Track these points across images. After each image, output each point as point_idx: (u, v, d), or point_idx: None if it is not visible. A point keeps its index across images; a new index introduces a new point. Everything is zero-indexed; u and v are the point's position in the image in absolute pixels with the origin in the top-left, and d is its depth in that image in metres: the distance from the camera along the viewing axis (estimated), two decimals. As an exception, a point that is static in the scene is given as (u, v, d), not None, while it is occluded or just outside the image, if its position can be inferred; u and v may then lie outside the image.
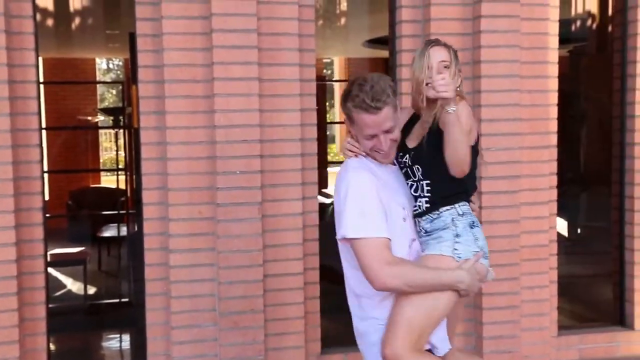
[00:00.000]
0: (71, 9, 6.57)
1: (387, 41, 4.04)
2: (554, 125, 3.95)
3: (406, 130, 2.33)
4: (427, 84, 2.23)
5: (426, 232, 2.27)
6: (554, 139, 3.96)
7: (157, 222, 3.55)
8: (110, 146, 13.56)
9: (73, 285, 6.30)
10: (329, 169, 9.91)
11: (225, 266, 3.48)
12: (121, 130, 7.67)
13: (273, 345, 3.60)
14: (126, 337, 4.80)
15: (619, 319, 4.30)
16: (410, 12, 3.76)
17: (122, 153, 8.38)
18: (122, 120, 7.59)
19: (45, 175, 4.10)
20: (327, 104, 12.12)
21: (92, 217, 8.12)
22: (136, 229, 4.28)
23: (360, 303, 2.26)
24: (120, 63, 14.46)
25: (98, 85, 12.64)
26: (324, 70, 12.64)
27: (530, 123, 3.83)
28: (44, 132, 3.81)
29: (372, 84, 2.11)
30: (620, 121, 4.26)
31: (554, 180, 3.97)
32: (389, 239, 2.13)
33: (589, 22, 5.88)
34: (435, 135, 2.22)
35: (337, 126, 13.78)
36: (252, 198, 3.49)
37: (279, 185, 3.57)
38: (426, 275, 2.16)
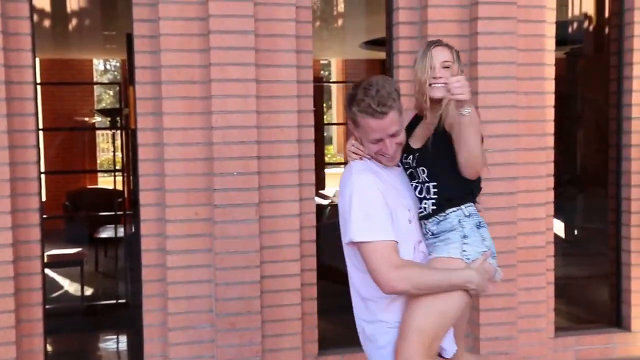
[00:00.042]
0: (68, 10, 6.56)
1: (384, 43, 4.04)
2: (550, 127, 3.96)
3: (409, 130, 2.32)
4: (430, 85, 2.24)
5: (433, 234, 2.26)
6: (550, 141, 3.97)
7: (154, 223, 3.55)
8: (107, 147, 13.53)
9: (70, 287, 6.29)
10: (326, 170, 9.91)
11: (222, 267, 3.48)
12: (118, 132, 7.66)
13: (270, 346, 3.60)
14: (123, 339, 4.79)
15: (616, 320, 4.31)
16: (408, 14, 3.76)
17: (119, 154, 8.38)
18: (119, 121, 7.59)
19: (42, 176, 4.10)
20: (325, 105, 12.13)
21: (89, 218, 8.11)
22: (133, 230, 4.28)
23: (367, 306, 2.25)
24: (118, 64, 14.45)
25: (95, 87, 12.62)
26: (322, 72, 12.65)
27: (527, 125, 3.84)
28: (40, 133, 3.81)
29: (377, 88, 2.10)
30: (617, 123, 4.27)
31: (550, 182, 3.98)
32: (396, 242, 2.12)
33: (586, 24, 5.90)
34: (441, 137, 2.21)
35: (334, 127, 13.78)
36: (250, 199, 3.49)
37: (276, 186, 3.57)
38: (435, 277, 2.15)
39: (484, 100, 3.70)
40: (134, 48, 3.53)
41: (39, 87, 4.88)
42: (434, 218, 2.25)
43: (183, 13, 3.45)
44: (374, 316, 2.24)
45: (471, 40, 3.74)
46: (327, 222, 6.09)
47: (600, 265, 4.75)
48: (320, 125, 8.45)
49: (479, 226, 2.26)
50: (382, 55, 4.29)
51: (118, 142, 7.91)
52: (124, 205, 7.00)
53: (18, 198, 3.43)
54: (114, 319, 5.25)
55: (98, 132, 11.55)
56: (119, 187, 7.75)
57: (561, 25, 4.19)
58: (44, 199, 4.30)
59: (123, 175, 7.75)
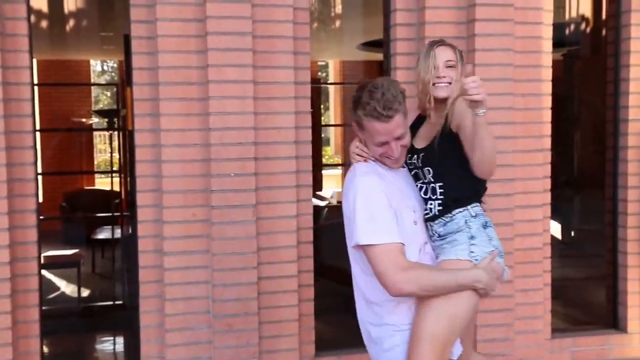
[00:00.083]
0: (66, 10, 6.56)
1: (381, 44, 4.05)
2: (547, 129, 3.96)
3: (412, 130, 2.29)
4: (434, 84, 2.22)
5: (439, 236, 2.25)
6: (547, 143, 3.98)
7: (151, 224, 3.55)
8: (104, 148, 13.52)
9: (67, 288, 6.28)
10: (323, 172, 9.92)
11: (219, 268, 3.48)
12: (116, 133, 7.66)
13: (267, 347, 3.60)
14: (120, 340, 4.79)
15: (612, 321, 4.31)
16: (405, 15, 3.77)
17: (116, 155, 8.38)
18: (116, 122, 7.58)
19: (39, 177, 4.09)
20: (322, 106, 12.13)
21: (87, 220, 8.10)
22: (130, 231, 4.28)
23: (372, 310, 2.24)
24: (115, 65, 14.44)
25: (92, 87, 12.60)
26: (319, 73, 12.65)
27: (524, 126, 3.84)
28: (38, 134, 3.80)
29: (382, 91, 2.08)
30: (614, 125, 4.28)
31: (547, 184, 3.98)
32: (402, 244, 2.10)
33: (583, 26, 5.91)
34: (447, 137, 2.20)
35: (331, 129, 13.78)
36: (247, 200, 3.49)
37: (273, 187, 3.57)
38: (442, 278, 2.13)
39: (481, 102, 3.70)
40: (132, 49, 3.53)
41: (36, 88, 4.87)
42: (440, 219, 2.24)
43: (180, 14, 3.45)
44: (380, 319, 2.23)
45: (468, 42, 3.74)
46: (325, 223, 6.09)
47: (596, 266, 4.76)
48: (317, 127, 8.47)
49: (485, 226, 2.25)
50: (379, 56, 4.30)
51: (115, 143, 7.89)
52: (121, 207, 7.01)
53: (15, 199, 3.42)
54: (110, 320, 5.24)
55: (95, 133, 11.54)
56: (116, 188, 7.75)
57: (558, 27, 4.20)
58: (41, 200, 4.29)
59: (120, 177, 7.75)
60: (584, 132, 6.18)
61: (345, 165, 9.55)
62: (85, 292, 6.03)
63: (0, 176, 3.33)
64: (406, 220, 2.18)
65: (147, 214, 3.55)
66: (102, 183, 10.48)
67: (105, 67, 17.62)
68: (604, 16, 4.70)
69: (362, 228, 2.10)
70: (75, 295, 5.85)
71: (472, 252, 2.20)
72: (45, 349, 3.79)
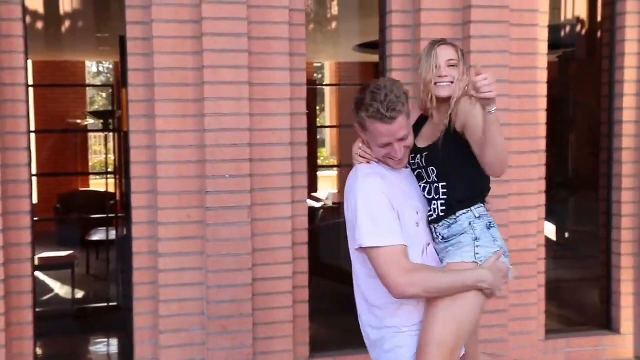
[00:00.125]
0: (61, 11, 6.55)
1: (377, 46, 4.05)
2: (543, 131, 3.97)
3: (415, 131, 2.27)
4: (435, 84, 2.21)
5: (443, 238, 2.23)
6: (543, 144, 3.99)
7: (146, 225, 3.54)
8: (99, 150, 13.50)
9: (61, 289, 6.26)
10: (319, 173, 9.92)
11: (214, 270, 3.48)
12: (111, 134, 7.64)
13: (261, 349, 3.59)
14: (114, 341, 4.77)
15: (606, 322, 4.33)
16: (401, 17, 3.77)
17: (111, 156, 8.36)
18: (111, 123, 7.57)
19: (34, 179, 4.09)
20: (318, 108, 12.14)
21: (81, 221, 8.08)
22: (125, 232, 4.27)
23: (374, 313, 2.23)
24: (111, 66, 14.42)
25: (88, 89, 12.59)
26: (315, 74, 12.66)
27: (520, 128, 3.85)
28: (32, 135, 3.79)
29: (386, 92, 2.07)
30: (608, 126, 4.30)
31: (542, 185, 3.99)
32: (406, 246, 2.09)
33: (578, 28, 5.93)
34: (452, 137, 2.18)
35: (327, 130, 13.79)
36: (242, 202, 3.49)
37: (268, 189, 3.57)
38: (446, 279, 2.13)
39: (476, 104, 3.71)
40: (127, 50, 3.53)
41: (31, 89, 4.86)
42: (444, 221, 2.22)
43: (176, 16, 3.44)
44: (380, 322, 2.22)
45: (464, 44, 3.75)
46: (320, 224, 6.09)
47: (591, 268, 4.77)
48: (313, 128, 8.47)
49: (489, 227, 2.23)
50: (375, 58, 4.30)
51: (110, 145, 7.88)
52: (116, 208, 6.99)
53: (9, 200, 3.41)
54: (105, 321, 5.23)
55: (90, 135, 11.52)
56: (111, 189, 7.73)
57: (554, 29, 4.21)
58: (35, 201, 4.29)
59: (115, 178, 7.73)
60: (579, 134, 6.20)
61: (341, 166, 9.56)
62: (79, 294, 6.02)
63: (-6, 177, 3.33)
64: (409, 221, 2.17)
65: (141, 215, 3.54)
66: (97, 184, 10.46)
67: (100, 68, 17.59)
68: (599, 18, 4.72)
69: (364, 230, 2.09)
70: (70, 296, 5.84)
71: (477, 253, 2.18)
72: (39, 351, 3.78)
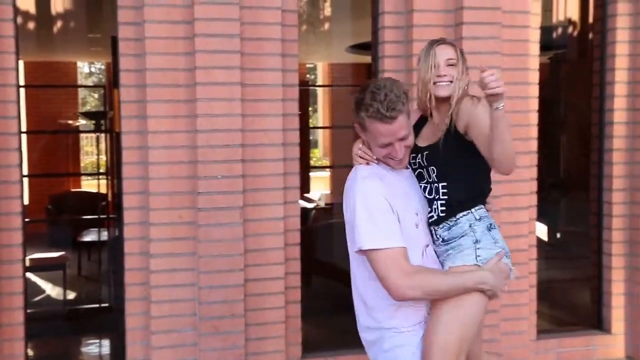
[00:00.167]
0: (53, 12, 6.52)
1: (370, 47, 4.06)
2: (534, 132, 3.99)
3: (415, 131, 2.25)
4: (434, 83, 2.19)
5: (444, 240, 2.22)
6: (534, 145, 4.00)
7: (138, 226, 3.53)
8: (91, 150, 13.46)
9: (52, 290, 6.23)
10: (311, 174, 9.92)
11: (205, 271, 3.47)
12: (103, 135, 7.62)
13: (253, 349, 3.59)
14: (105, 342, 4.76)
15: (597, 322, 4.35)
16: (393, 18, 3.78)
17: (103, 157, 8.34)
18: (103, 124, 7.55)
19: (25, 180, 4.07)
20: (310, 108, 12.14)
21: (73, 222, 8.05)
22: (117, 233, 4.26)
23: (371, 314, 2.22)
24: (102, 67, 14.38)
25: (80, 89, 12.55)
26: (307, 75, 12.66)
27: (511, 129, 3.85)
28: (24, 136, 3.78)
29: (385, 92, 2.05)
30: (599, 128, 4.32)
31: (534, 186, 4.01)
32: (405, 248, 2.08)
33: (570, 29, 5.95)
34: (453, 137, 2.16)
35: (320, 131, 13.79)
36: (234, 202, 3.48)
37: (260, 189, 3.57)
38: (447, 282, 2.12)
39: (467, 105, 3.72)
40: (119, 51, 3.52)
41: (22, 89, 4.84)
42: (444, 223, 2.20)
43: (168, 16, 3.44)
44: (379, 324, 2.21)
45: (456, 45, 3.75)
46: (312, 225, 6.09)
47: (582, 268, 4.79)
48: (305, 129, 8.47)
49: (490, 228, 2.21)
50: (368, 59, 4.30)
51: (102, 145, 7.86)
52: (108, 209, 6.97)
53: (0, 201, 3.40)
54: (96, 322, 5.21)
55: (82, 135, 11.48)
56: (103, 190, 7.71)
57: (545, 31, 4.23)
58: (26, 202, 4.27)
59: (107, 179, 7.71)
60: (571, 135, 6.23)
61: (334, 167, 9.57)
62: (70, 295, 5.99)
63: (-15, 178, 3.31)
64: (408, 223, 2.15)
65: (133, 216, 3.53)
66: (89, 185, 10.43)
67: (92, 69, 17.53)
68: (590, 20, 4.74)
69: (364, 233, 2.08)
70: (61, 298, 5.81)
71: (478, 256, 2.17)
72: (30, 352, 3.77)
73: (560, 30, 6.02)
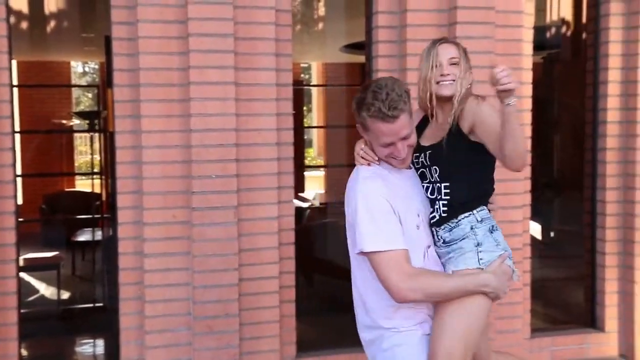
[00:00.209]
0: (46, 11, 6.50)
1: (364, 46, 4.06)
2: (528, 131, 3.99)
3: (418, 131, 2.24)
4: (438, 83, 2.17)
5: (445, 242, 2.20)
6: (528, 144, 4.01)
7: (132, 226, 3.53)
8: (85, 150, 13.43)
9: (46, 290, 6.22)
10: (306, 173, 9.92)
11: (200, 270, 3.47)
12: (96, 134, 7.61)
13: (248, 349, 3.59)
14: (99, 342, 4.75)
15: (590, 321, 4.37)
16: (387, 18, 3.78)
17: (97, 157, 8.32)
18: (97, 124, 7.53)
19: (19, 179, 4.06)
20: (305, 108, 12.14)
21: (67, 222, 8.03)
22: (111, 233, 4.25)
23: (370, 315, 2.22)
24: (96, 66, 14.35)
25: (73, 89, 12.51)
26: (302, 75, 12.66)
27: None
28: (17, 136, 3.76)
29: (387, 91, 2.04)
30: (593, 127, 4.33)
31: (528, 185, 4.02)
32: (407, 250, 2.08)
33: (563, 29, 5.97)
34: (456, 137, 2.15)
35: (314, 130, 13.80)
36: (228, 202, 3.48)
37: (254, 189, 3.57)
38: (449, 284, 2.11)
39: (461, 104, 3.73)
40: (112, 50, 3.51)
41: (16, 89, 4.82)
42: (445, 225, 2.19)
43: (162, 16, 3.43)
44: (378, 324, 2.21)
45: (449, 45, 3.76)
46: (307, 224, 6.09)
47: (575, 267, 4.81)
48: (300, 129, 8.47)
49: (492, 230, 2.21)
50: (362, 58, 4.31)
51: (96, 145, 7.84)
52: (102, 209, 6.95)
53: (-7, 201, 3.39)
54: (90, 322, 5.20)
55: (76, 135, 11.46)
56: (97, 190, 7.69)
57: (539, 30, 4.24)
58: (20, 202, 4.26)
59: (101, 178, 7.69)
60: (564, 134, 6.24)
61: (328, 167, 9.57)
62: (64, 295, 5.98)
63: (-22, 177, 3.30)
64: (410, 224, 2.14)
65: (127, 215, 3.53)
66: (83, 185, 10.41)
67: (86, 69, 17.48)
68: (583, 20, 4.75)
69: (365, 235, 2.07)
70: (55, 297, 5.80)
71: (481, 259, 2.16)
72: (24, 352, 3.76)
73: (553, 29, 6.04)
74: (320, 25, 7.15)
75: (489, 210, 2.27)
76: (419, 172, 2.28)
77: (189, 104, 3.43)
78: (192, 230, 3.46)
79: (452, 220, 2.18)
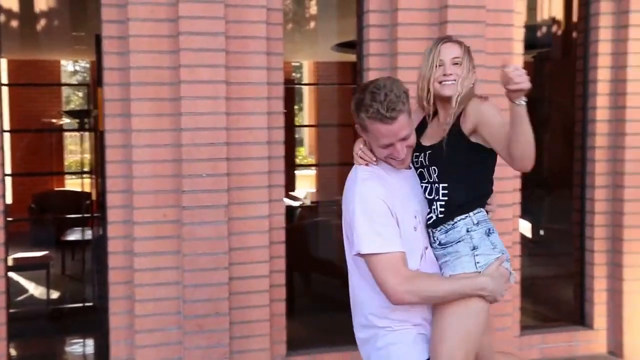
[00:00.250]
0: (36, 10, 6.47)
1: (355, 45, 4.07)
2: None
3: (418, 131, 2.23)
4: (440, 82, 2.15)
5: (440, 244, 2.19)
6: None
7: (122, 225, 3.52)
8: (75, 149, 13.36)
9: (35, 290, 6.19)
10: (297, 172, 9.91)
11: (190, 269, 3.46)
12: (87, 133, 7.58)
13: (238, 348, 3.59)
14: (89, 342, 4.73)
15: (579, 318, 4.39)
16: (378, 17, 3.79)
17: (87, 156, 8.29)
18: (87, 122, 7.50)
19: (8, 179, 4.04)
20: (296, 107, 12.14)
21: (56, 221, 7.99)
22: (100, 232, 4.24)
23: (366, 315, 2.21)
24: (87, 65, 14.29)
25: (63, 88, 12.45)
26: (293, 74, 12.65)
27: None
28: (6, 135, 3.75)
29: (385, 91, 2.02)
30: (582, 125, 4.36)
31: (517, 183, 4.03)
32: (404, 252, 2.07)
33: (554, 28, 5.99)
34: (456, 137, 2.13)
35: (305, 129, 13.79)
36: (218, 201, 3.48)
37: (245, 188, 3.57)
38: (445, 287, 2.11)
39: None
40: (103, 49, 3.50)
41: (5, 88, 4.80)
42: (442, 226, 2.17)
43: (153, 14, 3.42)
44: (372, 323, 2.20)
45: (439, 44, 3.77)
46: (298, 224, 6.09)
47: (565, 265, 4.83)
48: (291, 127, 8.46)
49: (488, 233, 2.19)
50: (353, 57, 4.31)
51: (86, 144, 7.81)
52: (92, 208, 6.93)
53: (-18, 200, 3.38)
54: (80, 322, 5.18)
55: (66, 134, 11.40)
56: (87, 189, 7.66)
57: (530, 29, 4.25)
58: (9, 201, 4.24)
59: (91, 177, 7.67)
60: (554, 133, 6.27)
61: (319, 165, 9.57)
62: (54, 294, 5.95)
63: (-34, 176, 3.28)
64: (407, 226, 2.13)
65: (117, 214, 3.52)
66: (73, 184, 10.36)
67: (76, 68, 17.40)
68: (574, 19, 4.78)
69: (363, 236, 2.06)
70: (44, 297, 5.77)
71: (477, 262, 2.14)
72: (13, 352, 3.74)
73: (544, 28, 6.06)
74: (312, 24, 7.15)
75: (487, 212, 2.25)
76: (417, 172, 2.26)
77: (179, 102, 3.43)
78: (183, 229, 3.45)
79: (449, 222, 2.17)
